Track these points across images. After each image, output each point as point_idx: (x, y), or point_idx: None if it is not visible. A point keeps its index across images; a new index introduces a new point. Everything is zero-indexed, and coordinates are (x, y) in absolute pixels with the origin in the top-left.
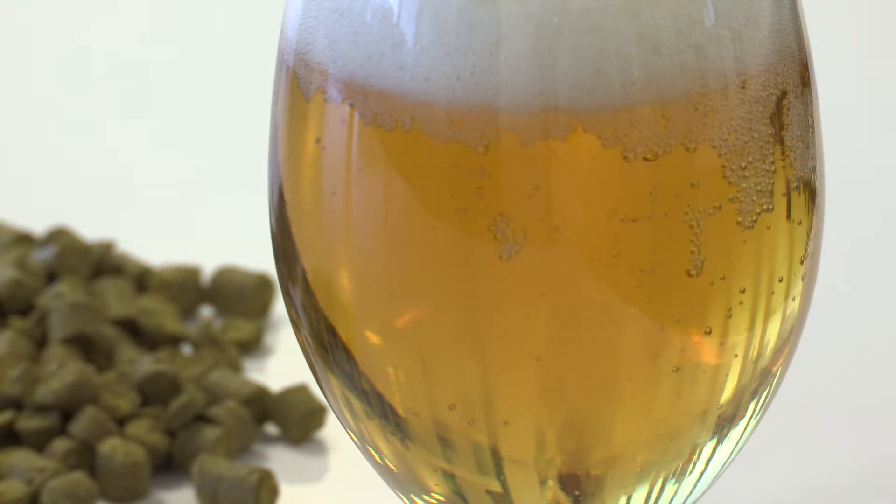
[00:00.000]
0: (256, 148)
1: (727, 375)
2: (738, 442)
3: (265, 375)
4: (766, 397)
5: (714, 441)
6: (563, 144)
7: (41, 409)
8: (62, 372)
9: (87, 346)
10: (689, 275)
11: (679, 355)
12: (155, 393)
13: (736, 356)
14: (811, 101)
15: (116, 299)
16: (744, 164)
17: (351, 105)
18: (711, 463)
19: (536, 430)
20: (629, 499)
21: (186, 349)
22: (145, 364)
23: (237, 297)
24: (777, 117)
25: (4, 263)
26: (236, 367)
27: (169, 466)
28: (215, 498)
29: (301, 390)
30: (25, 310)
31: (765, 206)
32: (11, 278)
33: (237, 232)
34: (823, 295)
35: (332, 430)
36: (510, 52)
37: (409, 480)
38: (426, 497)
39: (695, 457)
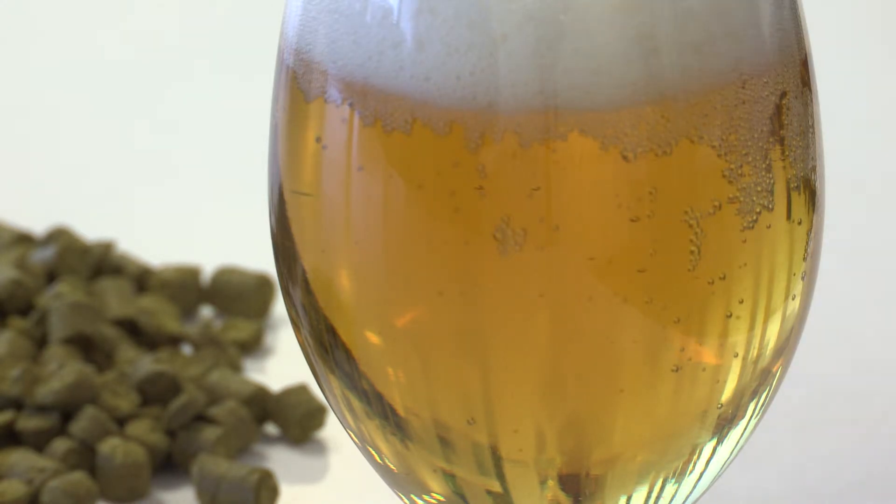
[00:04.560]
0: (256, 148)
1: (727, 375)
2: (738, 442)
3: (265, 375)
4: (766, 397)
5: (714, 441)
6: (563, 144)
7: (41, 409)
8: (62, 372)
9: (87, 346)
10: (689, 274)
11: (679, 355)
12: (155, 393)
13: (736, 356)
14: (811, 101)
15: (116, 299)
16: (743, 164)
17: (351, 105)
18: (711, 463)
19: (536, 430)
20: (629, 499)
21: (186, 349)
22: (145, 364)
23: (237, 297)
24: (777, 117)
25: (4, 263)
26: (236, 367)
27: (169, 466)
28: (215, 498)
29: (301, 390)
30: (25, 310)
31: (765, 206)
32: (11, 278)
33: (237, 232)
34: (823, 295)
35: (332, 430)
36: (510, 52)
37: (409, 480)
38: (426, 497)
39: (695, 457)
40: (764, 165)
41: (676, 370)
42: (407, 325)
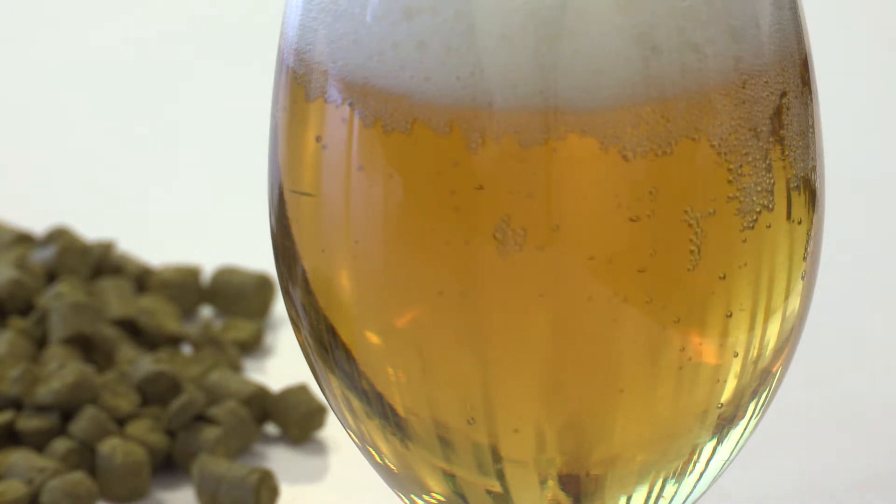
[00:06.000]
0: (256, 148)
1: (727, 375)
2: (738, 442)
3: (265, 375)
4: (766, 397)
5: (714, 441)
6: (563, 144)
7: (41, 409)
8: (62, 372)
9: (87, 346)
10: (689, 274)
11: (679, 355)
12: (155, 393)
13: (736, 356)
14: (811, 101)
15: (116, 299)
16: (743, 164)
17: (351, 105)
18: (711, 463)
19: (536, 430)
20: (629, 499)
21: (186, 349)
22: (145, 364)
23: (237, 297)
24: (777, 117)
25: (4, 263)
26: (236, 367)
27: (169, 466)
28: (215, 498)
29: (301, 390)
30: (25, 310)
31: (765, 206)
32: (11, 278)
33: (237, 232)
34: (823, 295)
35: (332, 430)
36: (510, 52)
37: (409, 480)
38: (426, 497)
39: (695, 457)
40: (764, 165)
41: (676, 370)
42: (407, 325)
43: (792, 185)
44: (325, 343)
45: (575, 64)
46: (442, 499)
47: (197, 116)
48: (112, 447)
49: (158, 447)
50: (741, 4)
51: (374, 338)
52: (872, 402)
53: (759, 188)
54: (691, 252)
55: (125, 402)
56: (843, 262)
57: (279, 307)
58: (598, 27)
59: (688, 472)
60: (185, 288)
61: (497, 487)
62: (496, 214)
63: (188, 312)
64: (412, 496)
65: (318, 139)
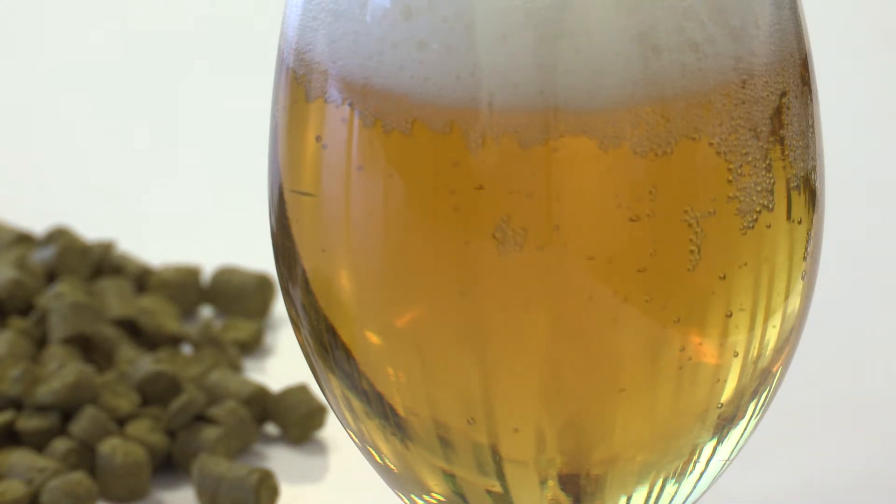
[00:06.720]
0: (256, 148)
1: (727, 375)
2: (738, 442)
3: (265, 375)
4: (766, 397)
5: (714, 441)
6: (563, 144)
7: (41, 409)
8: (62, 372)
9: (87, 346)
10: (689, 274)
11: (679, 355)
12: (155, 393)
13: (736, 356)
14: (811, 101)
15: (116, 299)
16: (743, 164)
17: (351, 105)
18: (711, 463)
19: (536, 430)
20: (629, 499)
21: (186, 349)
22: (145, 364)
23: (237, 297)
24: (777, 117)
25: (4, 263)
26: (236, 367)
27: (169, 466)
28: (215, 498)
29: (301, 390)
30: (25, 310)
31: (764, 206)
32: (11, 278)
33: (237, 232)
34: (823, 295)
35: (332, 430)
36: (510, 52)
37: (409, 480)
38: (426, 497)
39: (695, 457)
40: (764, 165)
41: (676, 370)
42: (407, 324)
43: (792, 185)
44: (325, 343)
45: (575, 64)
46: (442, 499)
47: (197, 116)
48: (112, 447)
49: (158, 447)
50: (741, 4)
51: (374, 338)
52: (872, 402)
53: (759, 188)
54: (691, 252)
55: (125, 402)
56: (843, 262)
57: (279, 307)
58: (598, 27)
59: (688, 472)
60: (185, 288)
61: (497, 487)
62: (496, 214)
63: (188, 312)
64: (412, 496)
65: (318, 139)
